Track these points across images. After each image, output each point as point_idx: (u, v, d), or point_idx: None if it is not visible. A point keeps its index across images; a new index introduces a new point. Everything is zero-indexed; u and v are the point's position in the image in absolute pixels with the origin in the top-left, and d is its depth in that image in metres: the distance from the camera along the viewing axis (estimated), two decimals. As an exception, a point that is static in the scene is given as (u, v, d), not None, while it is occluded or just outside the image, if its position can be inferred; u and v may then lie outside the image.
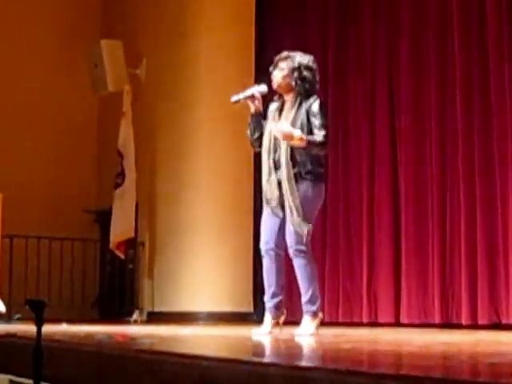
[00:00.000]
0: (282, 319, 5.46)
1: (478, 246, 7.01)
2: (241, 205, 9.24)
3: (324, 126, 5.29)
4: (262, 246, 5.45)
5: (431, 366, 2.94)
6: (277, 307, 5.42)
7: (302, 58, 5.50)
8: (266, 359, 3.36)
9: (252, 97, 5.49)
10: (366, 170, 8.08)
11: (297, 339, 5.00)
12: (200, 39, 9.59)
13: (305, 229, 5.22)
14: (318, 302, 5.35)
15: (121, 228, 9.76)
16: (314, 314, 5.31)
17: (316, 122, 5.28)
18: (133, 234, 9.75)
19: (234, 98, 5.59)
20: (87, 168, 10.97)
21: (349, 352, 3.76)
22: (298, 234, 5.23)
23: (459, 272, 7.14)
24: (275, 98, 5.58)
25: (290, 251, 5.30)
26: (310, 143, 5.20)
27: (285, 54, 5.56)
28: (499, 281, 6.85)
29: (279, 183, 5.31)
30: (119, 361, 3.60)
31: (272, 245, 5.37)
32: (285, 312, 5.49)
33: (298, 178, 5.25)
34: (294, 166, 5.25)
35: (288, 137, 5.19)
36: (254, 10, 9.55)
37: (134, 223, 9.75)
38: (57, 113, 10.78)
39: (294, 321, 5.67)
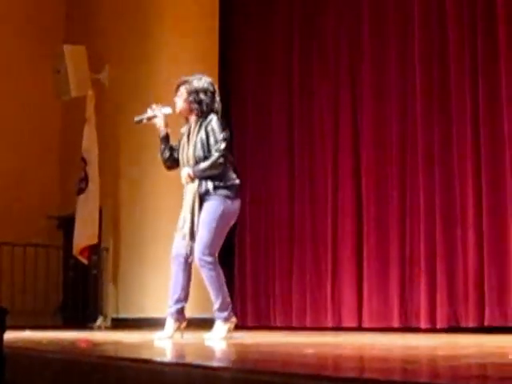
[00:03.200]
0: (183, 325, 5.73)
1: (436, 250, 7.07)
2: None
3: (220, 139, 5.58)
4: (172, 253, 5.75)
5: (391, 368, 2.98)
6: (179, 312, 5.68)
7: (198, 83, 5.76)
8: (217, 363, 3.38)
9: (154, 117, 5.79)
10: (330, 178, 8.12)
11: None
12: (163, 44, 9.59)
13: (205, 241, 5.54)
14: (229, 308, 5.63)
15: (84, 234, 9.73)
16: (225, 320, 5.57)
17: (212, 139, 5.59)
18: (96, 240, 9.73)
19: (137, 119, 5.92)
20: (50, 173, 10.92)
21: (312, 357, 3.79)
22: (203, 245, 5.52)
23: (418, 276, 7.20)
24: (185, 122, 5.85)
25: (197, 262, 5.58)
26: (202, 172, 5.56)
27: (183, 78, 5.83)
28: (457, 285, 6.92)
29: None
30: (82, 367, 3.60)
31: (181, 252, 5.64)
32: (186, 318, 5.76)
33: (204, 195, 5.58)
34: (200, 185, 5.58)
35: (189, 178, 5.60)
36: (217, 15, 9.55)
37: (97, 229, 9.73)
38: (19, 117, 10.72)
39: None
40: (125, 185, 9.92)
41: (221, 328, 5.54)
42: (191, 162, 5.61)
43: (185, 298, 5.72)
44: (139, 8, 9.91)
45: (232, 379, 2.76)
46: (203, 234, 5.53)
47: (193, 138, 5.65)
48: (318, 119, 8.36)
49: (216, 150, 5.54)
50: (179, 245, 5.66)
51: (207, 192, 5.55)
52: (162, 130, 5.79)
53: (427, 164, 7.25)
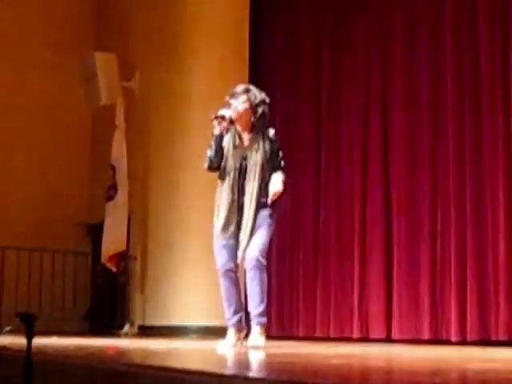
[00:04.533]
0: (243, 333, 5.72)
1: (467, 263, 7.04)
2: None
3: (281, 157, 5.68)
4: (221, 268, 5.67)
5: (420, 382, 2.95)
6: (239, 322, 5.69)
7: (260, 94, 5.73)
8: (254, 374, 3.36)
9: (223, 118, 5.68)
10: (359, 189, 8.10)
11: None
12: (194, 53, 9.61)
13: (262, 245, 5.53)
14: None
15: (113, 241, 9.75)
16: (265, 325, 5.56)
17: (274, 154, 5.64)
18: (125, 247, 9.75)
19: (219, 114, 5.69)
20: (80, 181, 10.98)
21: (338, 367, 3.76)
22: (263, 247, 5.52)
23: (449, 289, 7.15)
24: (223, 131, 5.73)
25: (250, 264, 5.51)
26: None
27: (244, 86, 5.79)
28: (488, 298, 6.87)
29: (240, 209, 5.59)
30: (109, 374, 3.60)
31: (232, 266, 5.63)
32: (245, 327, 5.73)
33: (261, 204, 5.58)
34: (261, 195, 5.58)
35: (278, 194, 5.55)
36: (248, 26, 9.58)
37: (125, 236, 9.75)
38: (50, 125, 10.80)
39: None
40: (154, 193, 9.94)
41: (262, 334, 5.51)
42: (254, 171, 5.58)
43: (241, 308, 5.75)
44: (170, 15, 9.93)
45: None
46: (263, 236, 5.54)
47: (255, 147, 5.62)
48: (346, 129, 8.35)
49: (282, 170, 5.61)
50: (229, 260, 5.64)
51: (264, 205, 5.58)
52: (223, 130, 5.71)
53: (458, 174, 7.22)
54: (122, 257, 9.86)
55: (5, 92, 10.55)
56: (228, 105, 5.72)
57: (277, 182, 5.54)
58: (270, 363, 4.19)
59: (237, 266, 5.65)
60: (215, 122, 5.69)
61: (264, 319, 5.55)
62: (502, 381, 3.03)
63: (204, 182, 9.43)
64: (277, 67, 9.15)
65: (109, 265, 9.79)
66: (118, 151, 9.93)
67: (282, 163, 5.65)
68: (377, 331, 7.75)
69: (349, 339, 7.82)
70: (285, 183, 5.57)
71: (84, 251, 10.67)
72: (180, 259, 9.37)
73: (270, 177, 5.57)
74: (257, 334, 5.49)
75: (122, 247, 9.72)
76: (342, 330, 8.03)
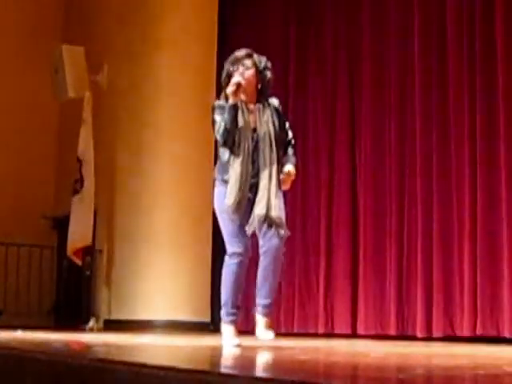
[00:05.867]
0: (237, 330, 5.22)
1: (433, 259, 7.09)
2: (200, 214, 9.24)
3: (290, 130, 5.24)
4: (235, 252, 5.07)
5: (386, 378, 2.96)
6: (237, 319, 5.18)
7: (263, 58, 5.20)
8: (226, 370, 3.36)
9: (239, 85, 5.00)
10: (326, 181, 8.13)
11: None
12: (162, 46, 9.58)
13: (286, 231, 5.03)
14: None
15: (78, 235, 9.70)
16: (272, 317, 5.20)
17: (287, 127, 5.20)
18: (90, 241, 9.70)
19: (230, 90, 5.01)
20: (46, 174, 10.90)
21: (304, 363, 3.77)
22: (279, 231, 4.99)
23: (415, 285, 7.20)
24: (221, 100, 5.15)
25: (270, 250, 5.01)
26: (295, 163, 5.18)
27: (246, 51, 5.20)
28: (454, 294, 6.93)
29: (251, 187, 5.03)
30: (74, 369, 3.58)
31: (246, 252, 5.08)
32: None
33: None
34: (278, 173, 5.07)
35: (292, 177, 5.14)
36: (216, 17, 9.58)
37: (91, 230, 9.70)
38: (16, 117, 10.71)
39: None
40: (120, 187, 9.90)
41: (271, 326, 5.07)
42: (268, 142, 5.03)
43: (240, 302, 5.21)
44: (138, 9, 9.89)
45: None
46: (284, 219, 5.03)
47: (263, 117, 5.06)
48: (313, 119, 8.36)
49: (292, 145, 5.20)
50: (240, 242, 5.04)
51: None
52: (239, 98, 5.02)
53: (425, 171, 7.26)
54: (88, 251, 9.81)
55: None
56: (229, 74, 5.12)
57: (290, 166, 5.09)
58: (239, 359, 4.19)
59: (248, 249, 5.10)
60: (231, 90, 4.98)
61: (271, 309, 5.13)
62: (466, 376, 3.06)
63: (172, 176, 9.44)
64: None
65: (74, 258, 9.73)
66: (85, 145, 9.87)
67: (290, 134, 5.21)
68: (342, 327, 7.79)
69: (314, 335, 7.84)
70: (296, 165, 5.16)
71: (49, 245, 10.60)
72: (146, 253, 9.35)
73: (281, 152, 5.08)
74: (265, 327, 5.04)
75: (87, 241, 9.67)
76: (307, 326, 8.05)
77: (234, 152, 5.04)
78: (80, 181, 9.83)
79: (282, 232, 5.00)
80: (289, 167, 5.12)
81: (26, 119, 10.74)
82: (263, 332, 5.01)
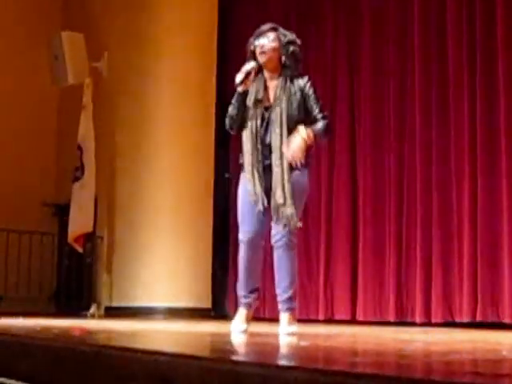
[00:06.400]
0: (251, 315, 5.12)
1: (433, 246, 7.10)
2: (201, 200, 9.25)
3: (322, 109, 4.96)
4: (246, 236, 4.98)
5: (386, 363, 2.98)
6: (255, 300, 5.08)
7: (290, 33, 5.04)
8: (236, 357, 3.37)
9: (248, 74, 4.93)
10: (326, 167, 8.13)
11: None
12: (164, 34, 9.56)
13: (296, 218, 4.88)
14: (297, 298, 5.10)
15: (79, 222, 9.71)
16: (294, 311, 5.00)
17: (310, 105, 4.92)
18: (91, 228, 9.71)
19: (239, 79, 4.92)
20: (46, 161, 10.89)
21: (306, 349, 3.79)
22: (289, 224, 4.87)
23: (414, 271, 7.22)
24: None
25: (280, 241, 4.91)
26: (317, 137, 4.87)
27: (270, 24, 5.05)
28: (453, 280, 6.95)
29: (264, 170, 4.92)
30: (75, 355, 3.59)
31: (257, 235, 4.96)
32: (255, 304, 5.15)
33: (291, 165, 4.85)
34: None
35: (308, 141, 4.81)
36: (217, 10, 9.57)
37: (92, 217, 9.71)
38: (16, 104, 10.68)
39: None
40: (121, 174, 9.90)
41: (293, 321, 4.94)
42: (279, 121, 4.85)
43: (258, 286, 5.09)
44: (142, 1, 9.88)
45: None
46: (296, 209, 4.87)
47: (282, 94, 4.88)
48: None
49: (322, 118, 4.89)
50: (254, 227, 4.92)
51: (296, 166, 4.84)
52: (248, 86, 4.94)
53: (425, 160, 7.26)
54: (89, 238, 9.82)
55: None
56: (252, 46, 5.00)
57: (303, 127, 4.81)
58: (238, 345, 4.21)
59: (263, 235, 4.98)
60: (240, 79, 4.90)
61: (294, 304, 4.95)
62: (465, 362, 3.08)
63: (173, 163, 9.44)
64: (246, 41, 9.13)
65: (75, 245, 9.75)
66: (85, 132, 9.87)
67: (317, 111, 4.88)
68: (342, 313, 7.81)
69: (314, 321, 7.87)
70: (315, 136, 4.82)
71: (50, 232, 10.61)
72: (147, 240, 9.36)
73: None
74: (287, 323, 4.91)
75: (88, 228, 9.68)
76: (308, 312, 8.07)
77: (242, 132, 4.98)
78: (81, 168, 9.83)
79: (293, 223, 4.89)
80: (301, 127, 4.84)
81: (25, 106, 10.72)
82: (284, 328, 4.91)
